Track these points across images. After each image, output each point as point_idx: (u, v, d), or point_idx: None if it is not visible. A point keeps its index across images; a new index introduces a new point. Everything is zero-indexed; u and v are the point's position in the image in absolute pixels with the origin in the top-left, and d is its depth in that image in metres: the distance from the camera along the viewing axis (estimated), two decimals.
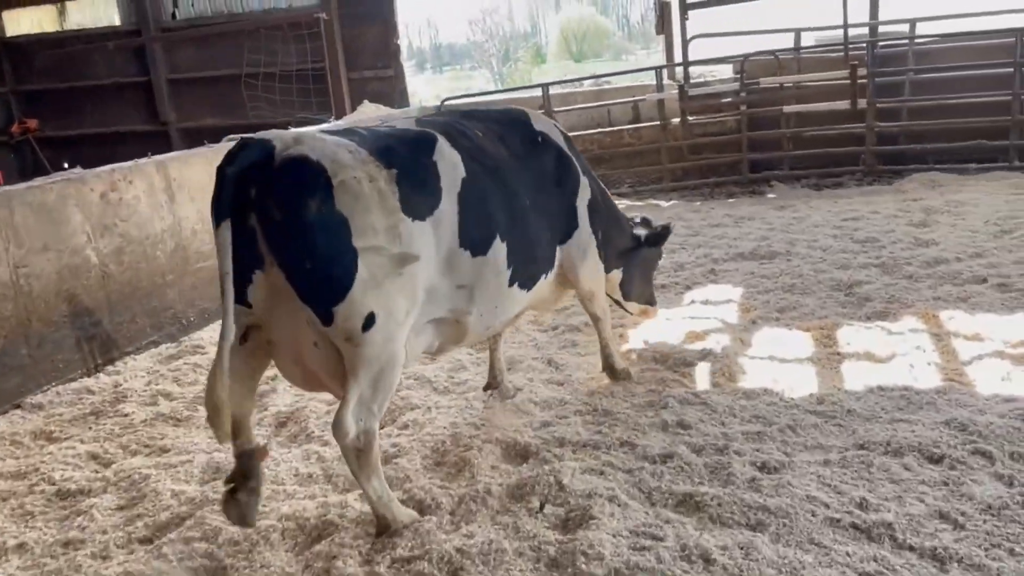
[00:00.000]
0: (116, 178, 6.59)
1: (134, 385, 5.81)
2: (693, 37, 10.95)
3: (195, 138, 12.60)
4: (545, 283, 4.44)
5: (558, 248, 4.51)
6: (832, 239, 8.22)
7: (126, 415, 5.28)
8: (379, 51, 12.66)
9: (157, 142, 13.09)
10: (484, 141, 4.02)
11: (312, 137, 3.29)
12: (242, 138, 3.25)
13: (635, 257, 5.36)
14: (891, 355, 5.24)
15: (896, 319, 5.84)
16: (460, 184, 3.65)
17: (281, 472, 4.33)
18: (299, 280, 3.16)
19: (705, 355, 5.50)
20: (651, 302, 5.73)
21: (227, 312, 3.10)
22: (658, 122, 11.50)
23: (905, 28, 11.04)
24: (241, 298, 3.22)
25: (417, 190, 3.44)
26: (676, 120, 11.32)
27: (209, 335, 6.94)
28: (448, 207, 3.58)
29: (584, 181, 4.67)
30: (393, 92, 12.78)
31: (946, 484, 3.70)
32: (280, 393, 5.45)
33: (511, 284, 4.01)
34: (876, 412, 4.46)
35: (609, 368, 5.16)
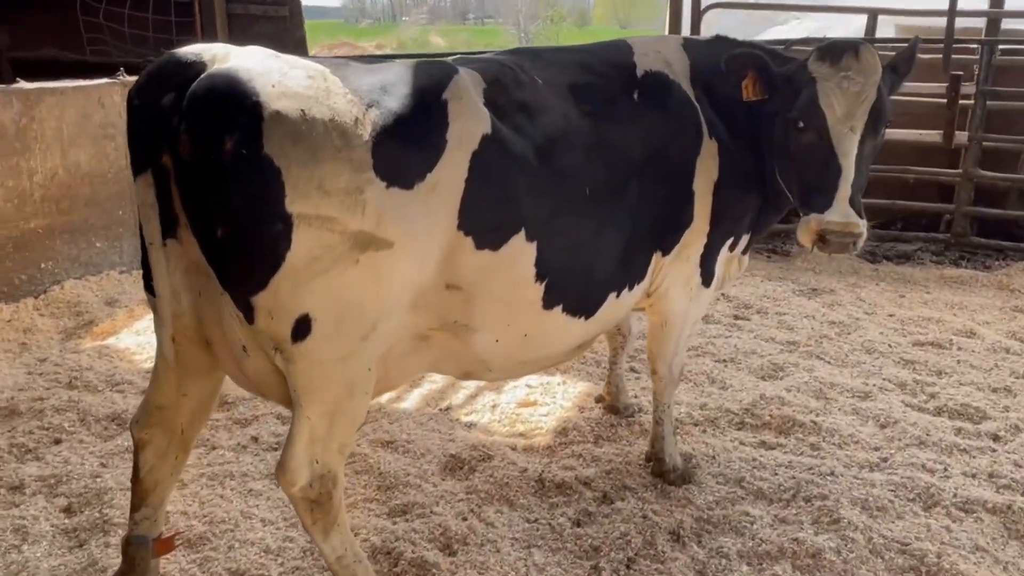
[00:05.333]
0: None
1: None
2: (707, 7, 7.12)
3: (30, 72, 8.95)
4: (625, 299, 3.22)
5: (656, 256, 3.27)
6: (897, 392, 4.54)
7: None
8: None
9: None
10: (546, 95, 2.90)
11: (258, 51, 2.42)
12: (166, 53, 2.41)
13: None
14: None
15: None
16: (479, 141, 2.57)
17: None
18: (211, 253, 2.33)
19: None
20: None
21: (160, 291, 2.44)
22: None
23: None
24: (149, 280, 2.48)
25: (405, 140, 2.43)
26: None
27: None
28: (453, 170, 2.52)
29: (708, 147, 3.25)
30: (286, 38, 9.06)
31: None
32: None
33: (550, 307, 2.90)
34: None
35: (656, 459, 3.68)
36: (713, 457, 3.85)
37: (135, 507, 2.75)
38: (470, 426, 4.19)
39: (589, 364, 4.88)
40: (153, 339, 5.33)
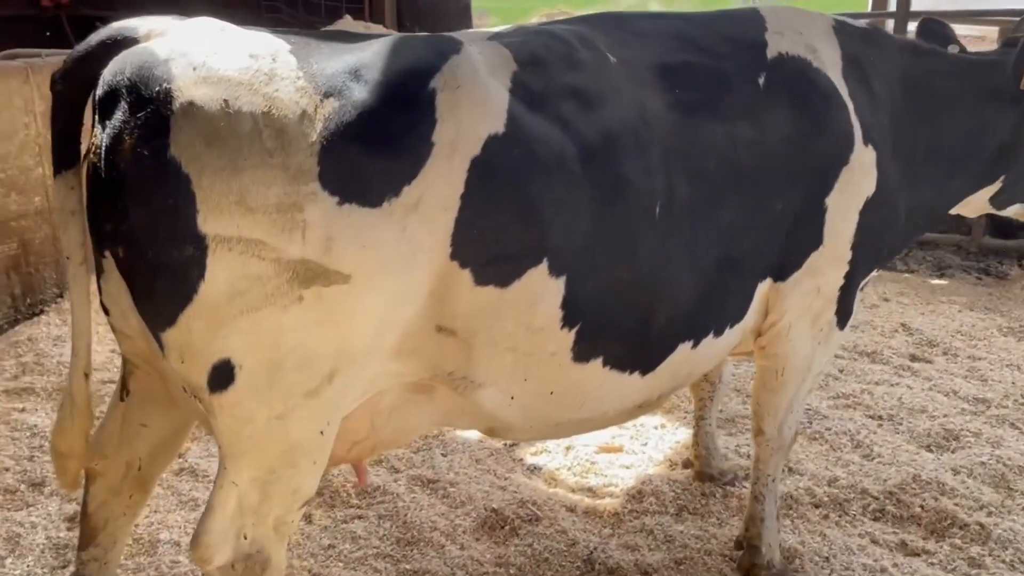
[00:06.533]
0: None
1: None
2: None
3: None
4: (708, 347, 2.50)
5: (763, 285, 2.56)
6: None
7: None
8: None
9: None
10: (616, 78, 2.27)
11: (205, 24, 1.95)
12: (101, 27, 1.97)
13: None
14: None
15: None
16: (483, 144, 1.97)
17: None
18: (126, 277, 1.89)
19: None
20: None
21: (76, 317, 2.04)
22: None
23: None
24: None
25: (371, 143, 1.88)
26: None
27: None
28: (442, 182, 1.95)
29: (862, 156, 2.57)
30: (449, 4, 8.65)
31: None
32: None
33: (584, 359, 2.25)
34: None
35: (750, 548, 2.86)
36: (827, 560, 2.94)
37: (82, 544, 2.39)
38: (533, 470, 3.52)
39: None
40: None
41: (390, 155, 1.91)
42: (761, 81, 2.49)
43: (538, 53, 2.20)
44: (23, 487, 3.35)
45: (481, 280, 2.04)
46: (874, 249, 2.72)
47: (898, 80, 2.75)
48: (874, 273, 2.89)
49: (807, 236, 2.57)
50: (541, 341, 2.18)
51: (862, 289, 2.81)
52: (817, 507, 3.25)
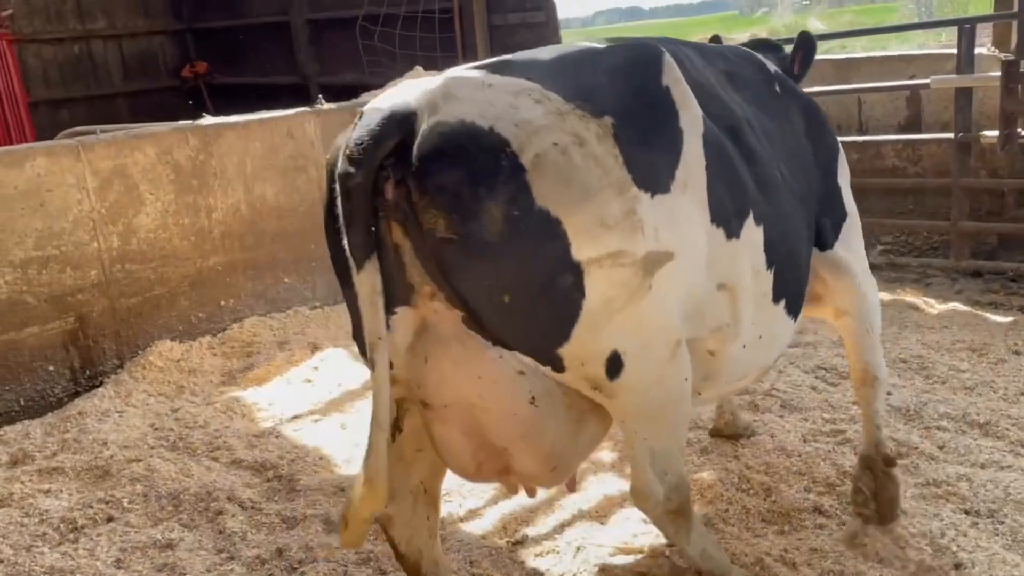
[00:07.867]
0: None
1: None
2: None
3: (335, 97, 9.49)
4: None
5: (816, 254, 3.05)
6: None
7: None
8: None
9: (300, 99, 10.27)
10: (708, 74, 2.70)
11: (465, 83, 2.10)
12: (362, 110, 2.09)
13: None
14: None
15: None
16: (703, 123, 2.40)
17: None
18: (494, 320, 2.10)
19: None
20: None
21: (379, 392, 2.08)
22: (952, 134, 5.64)
23: None
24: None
25: (649, 142, 2.24)
26: (991, 133, 5.42)
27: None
28: (694, 160, 2.34)
29: (841, 149, 3.26)
30: (543, 45, 8.35)
31: None
32: None
33: (777, 299, 2.68)
34: None
35: (879, 473, 3.14)
36: None
37: None
38: None
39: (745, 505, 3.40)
40: (293, 392, 5.01)
41: (660, 147, 2.25)
42: (776, 88, 3.00)
43: (675, 51, 2.50)
44: None
45: (730, 234, 2.42)
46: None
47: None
48: None
49: (836, 211, 3.08)
50: (761, 283, 2.56)
51: None
52: None
